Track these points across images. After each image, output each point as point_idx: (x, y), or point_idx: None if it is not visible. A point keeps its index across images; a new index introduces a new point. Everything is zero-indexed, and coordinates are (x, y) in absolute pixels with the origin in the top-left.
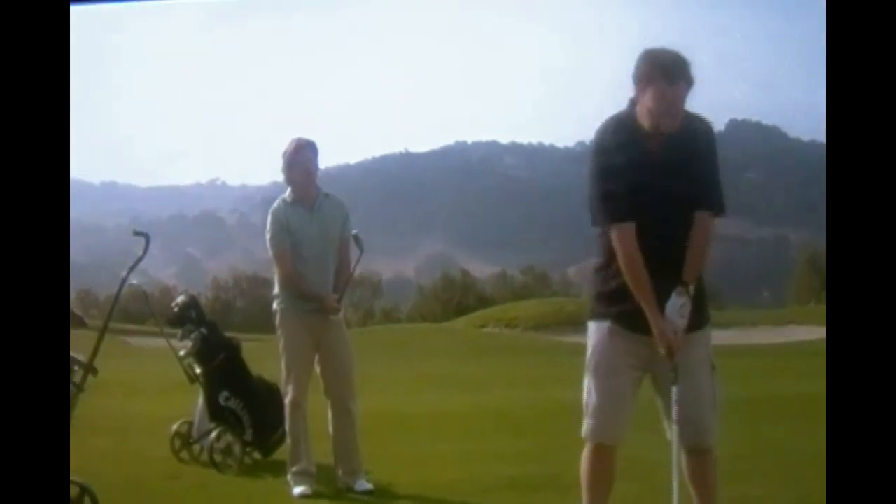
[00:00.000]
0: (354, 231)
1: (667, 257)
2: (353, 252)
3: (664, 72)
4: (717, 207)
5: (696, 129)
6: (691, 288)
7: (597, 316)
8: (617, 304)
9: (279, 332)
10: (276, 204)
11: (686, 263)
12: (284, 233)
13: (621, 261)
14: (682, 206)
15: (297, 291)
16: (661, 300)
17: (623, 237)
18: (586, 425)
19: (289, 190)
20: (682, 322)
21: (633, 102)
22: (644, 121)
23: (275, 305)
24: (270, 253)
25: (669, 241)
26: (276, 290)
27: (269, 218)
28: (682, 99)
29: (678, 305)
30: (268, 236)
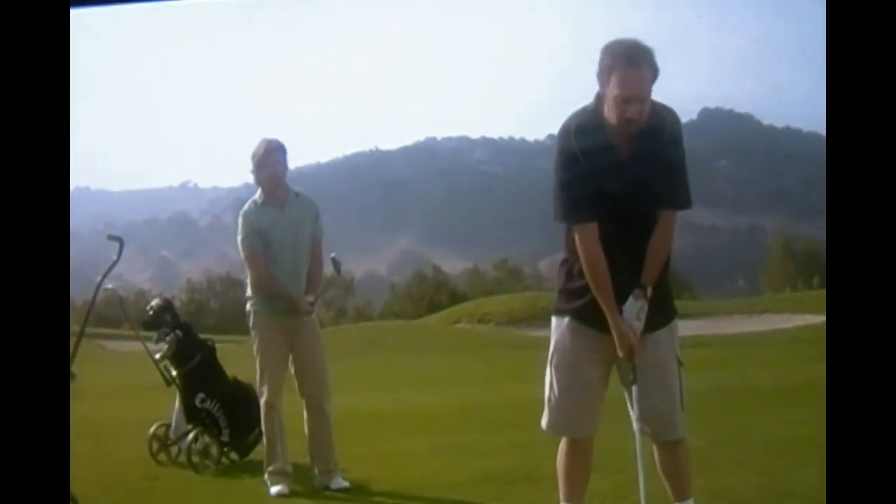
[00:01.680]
0: (333, 254)
1: (630, 256)
2: (328, 272)
3: (627, 57)
4: (684, 204)
5: (664, 120)
6: (649, 290)
7: (558, 311)
8: (577, 300)
9: (252, 333)
10: (246, 206)
11: (645, 266)
12: (256, 235)
13: (583, 261)
14: (646, 204)
15: (271, 293)
16: (623, 300)
17: (584, 238)
18: (546, 419)
19: (259, 191)
20: (638, 325)
21: (599, 97)
22: (611, 114)
23: (248, 307)
24: (242, 255)
25: (633, 240)
26: (249, 291)
27: (241, 220)
28: (647, 83)
29: (636, 309)
30: (239, 238)
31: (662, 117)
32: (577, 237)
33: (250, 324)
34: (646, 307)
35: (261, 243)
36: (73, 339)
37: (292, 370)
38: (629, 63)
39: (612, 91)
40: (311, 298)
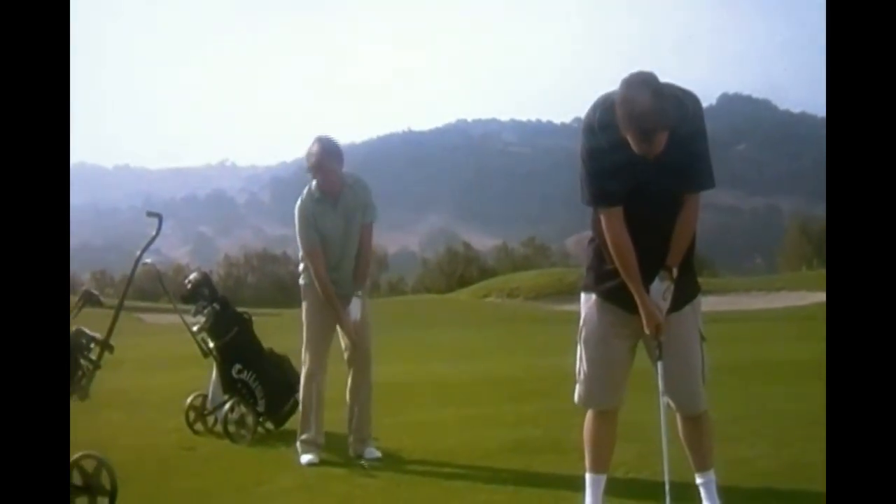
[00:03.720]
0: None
1: (655, 237)
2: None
3: (639, 130)
4: (707, 184)
5: (686, 108)
6: (674, 271)
7: (587, 288)
8: (606, 282)
9: (304, 304)
10: (302, 199)
11: (671, 248)
12: (313, 230)
13: (609, 244)
14: (670, 188)
15: (323, 295)
16: (649, 280)
17: (611, 221)
18: (577, 392)
19: (314, 183)
20: (664, 305)
21: None
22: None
23: (301, 280)
24: (301, 249)
25: (658, 223)
26: (302, 266)
27: (297, 214)
28: (659, 145)
29: (662, 290)
30: (296, 231)
31: (685, 104)
32: (603, 221)
33: (302, 294)
34: (672, 287)
35: (318, 240)
36: (111, 312)
37: (340, 342)
38: (642, 138)
39: (629, 140)
40: (357, 300)
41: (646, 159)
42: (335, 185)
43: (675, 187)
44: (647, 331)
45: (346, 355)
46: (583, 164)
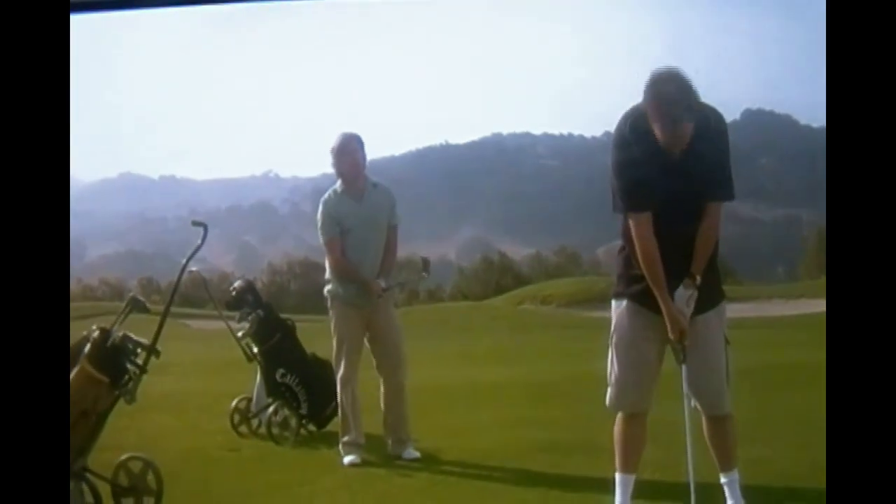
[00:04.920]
0: (422, 256)
1: (679, 244)
2: (414, 270)
3: (667, 114)
4: (727, 196)
5: (709, 120)
6: (698, 279)
7: (617, 295)
8: (634, 285)
9: (331, 313)
10: (326, 194)
11: (694, 256)
12: (333, 222)
13: (637, 249)
14: (695, 196)
15: (345, 277)
16: (674, 285)
17: (640, 227)
18: (610, 396)
19: (339, 182)
20: (687, 311)
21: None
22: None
23: (326, 289)
24: (321, 240)
25: (683, 230)
26: (328, 275)
27: (320, 208)
28: (686, 134)
29: (686, 296)
30: (318, 225)
31: (707, 117)
32: (632, 225)
33: (329, 305)
34: (695, 295)
35: (338, 230)
36: (158, 318)
37: (368, 348)
38: (670, 122)
39: (655, 131)
40: (382, 283)
41: (673, 167)
42: (358, 169)
43: (698, 197)
44: (670, 335)
45: (375, 363)
46: (615, 174)
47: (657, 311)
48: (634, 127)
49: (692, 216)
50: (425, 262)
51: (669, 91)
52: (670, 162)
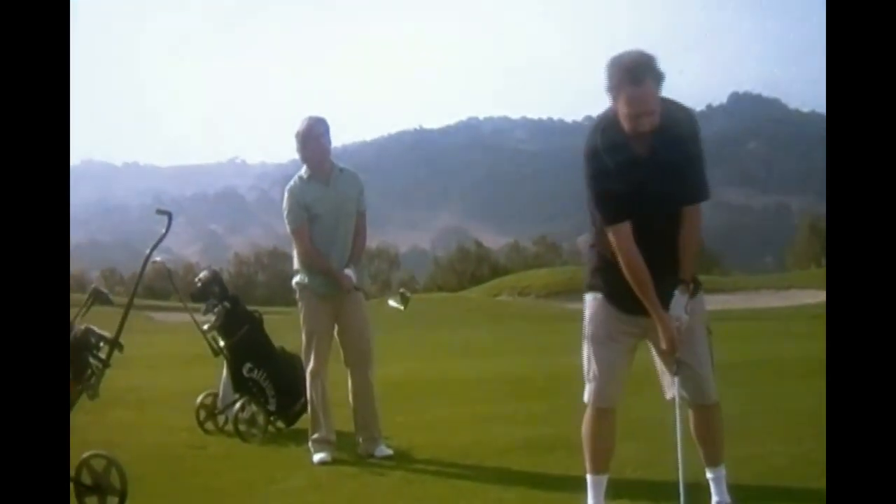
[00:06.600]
0: (402, 290)
1: (661, 250)
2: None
3: (629, 75)
4: (701, 196)
5: (678, 120)
6: (691, 285)
7: (591, 288)
8: (609, 284)
9: (299, 305)
10: (292, 182)
11: (682, 261)
12: (300, 209)
13: (622, 260)
14: (671, 200)
15: (314, 267)
16: (659, 292)
17: (620, 237)
18: (588, 391)
19: (305, 167)
20: (686, 318)
21: (615, 108)
22: (625, 124)
23: (294, 280)
24: (288, 229)
25: (663, 235)
26: (296, 264)
27: (286, 195)
28: (652, 95)
29: (683, 302)
30: (284, 213)
31: (676, 117)
32: (613, 239)
33: (297, 296)
34: (689, 300)
35: (305, 217)
36: (121, 311)
37: (338, 341)
38: (633, 82)
39: (623, 108)
40: (352, 275)
41: (646, 169)
42: (324, 154)
43: (674, 198)
44: (663, 346)
45: (343, 356)
46: (590, 188)
47: (632, 311)
48: (604, 136)
49: (671, 217)
50: (405, 299)
51: (631, 56)
52: (642, 168)
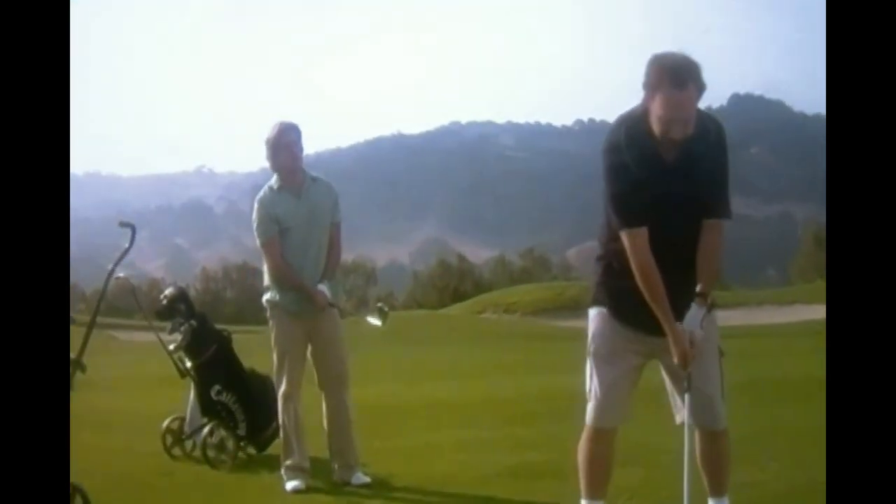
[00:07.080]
0: (380, 304)
1: (678, 260)
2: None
3: (672, 77)
4: (724, 214)
5: (708, 131)
6: (709, 299)
7: (596, 302)
8: (617, 298)
9: (270, 323)
10: (262, 192)
11: (701, 274)
12: (271, 221)
13: (634, 267)
14: (693, 210)
15: (286, 283)
16: (674, 300)
17: (636, 242)
18: (590, 410)
19: (275, 177)
20: (700, 333)
21: (646, 107)
22: (656, 127)
23: (265, 297)
24: (258, 243)
25: (680, 245)
26: (266, 280)
27: (255, 206)
28: (692, 103)
29: (699, 317)
30: (254, 225)
31: (707, 128)
32: (627, 242)
33: (268, 314)
34: (707, 314)
35: (276, 230)
36: (83, 329)
37: (311, 361)
38: (675, 86)
39: (657, 110)
40: (327, 292)
41: (670, 172)
42: (296, 162)
43: (696, 206)
44: (675, 360)
45: (317, 378)
46: (608, 184)
47: (647, 330)
48: (630, 134)
49: (689, 230)
50: (382, 314)
51: (675, 57)
52: (667, 173)
